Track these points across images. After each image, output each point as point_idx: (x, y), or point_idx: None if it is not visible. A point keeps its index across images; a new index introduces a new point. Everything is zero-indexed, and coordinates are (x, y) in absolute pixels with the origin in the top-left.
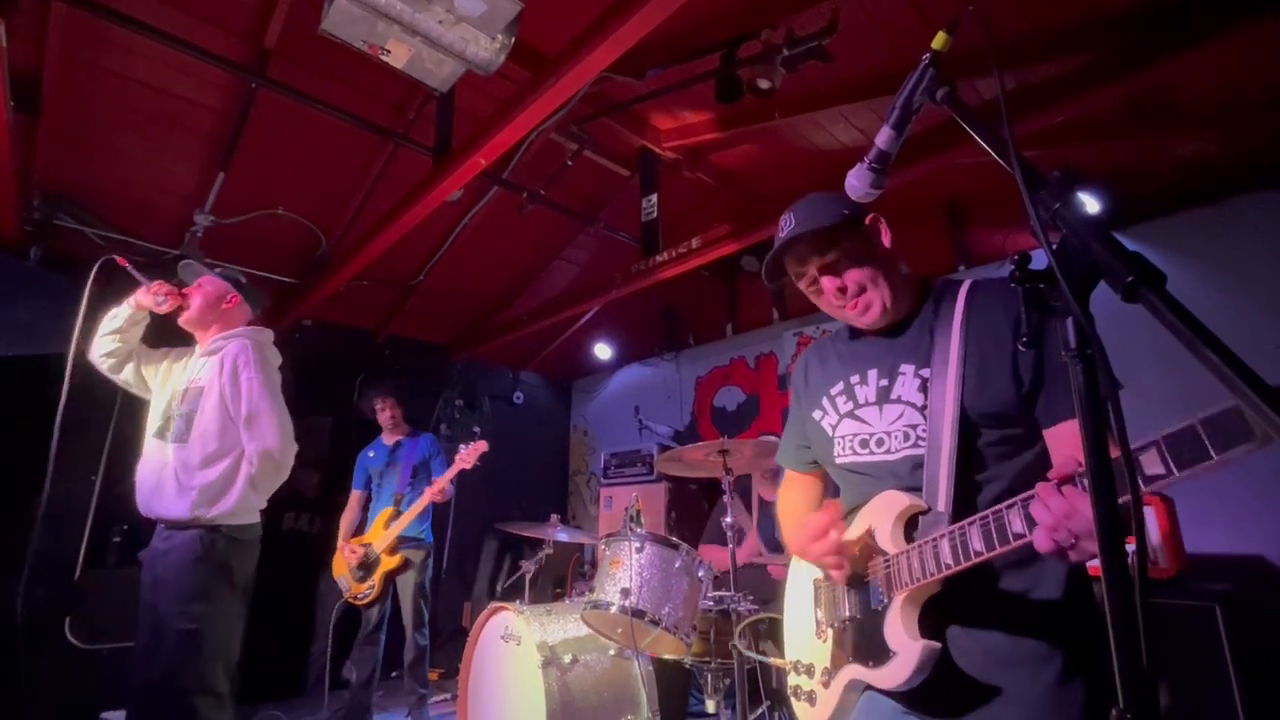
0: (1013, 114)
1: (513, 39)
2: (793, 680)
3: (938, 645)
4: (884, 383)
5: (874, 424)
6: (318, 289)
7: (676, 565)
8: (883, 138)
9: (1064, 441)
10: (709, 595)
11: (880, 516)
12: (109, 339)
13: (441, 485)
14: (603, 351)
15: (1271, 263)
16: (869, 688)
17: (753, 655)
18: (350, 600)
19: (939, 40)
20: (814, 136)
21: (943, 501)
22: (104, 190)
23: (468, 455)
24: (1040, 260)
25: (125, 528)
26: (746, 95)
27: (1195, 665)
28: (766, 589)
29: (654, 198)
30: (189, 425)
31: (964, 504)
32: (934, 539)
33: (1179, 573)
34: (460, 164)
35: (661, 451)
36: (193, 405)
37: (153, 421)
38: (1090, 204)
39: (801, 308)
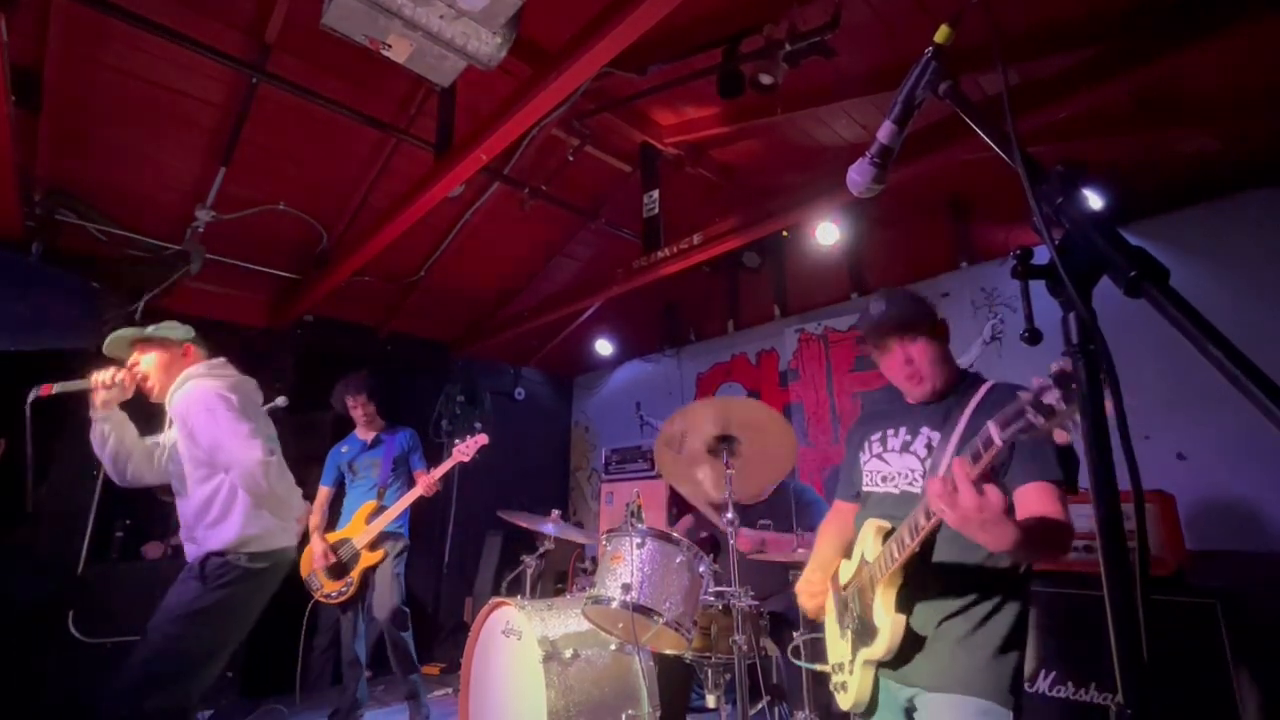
0: (1016, 109)
1: (514, 34)
2: (834, 679)
3: (904, 616)
4: (908, 438)
5: (892, 465)
6: (319, 285)
7: (677, 560)
8: (885, 132)
9: (1025, 498)
10: (710, 590)
11: (867, 539)
12: (122, 458)
13: (434, 478)
14: (604, 348)
15: (1274, 259)
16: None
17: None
18: (322, 599)
19: (942, 34)
20: (816, 132)
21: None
22: (105, 185)
23: (466, 448)
24: (1043, 255)
25: (128, 522)
26: (748, 90)
27: (1195, 662)
28: (769, 584)
29: (655, 193)
30: (182, 482)
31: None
32: (890, 543)
33: (1178, 569)
34: (462, 159)
35: None
36: (177, 464)
37: None
38: (1093, 199)
39: (803, 305)
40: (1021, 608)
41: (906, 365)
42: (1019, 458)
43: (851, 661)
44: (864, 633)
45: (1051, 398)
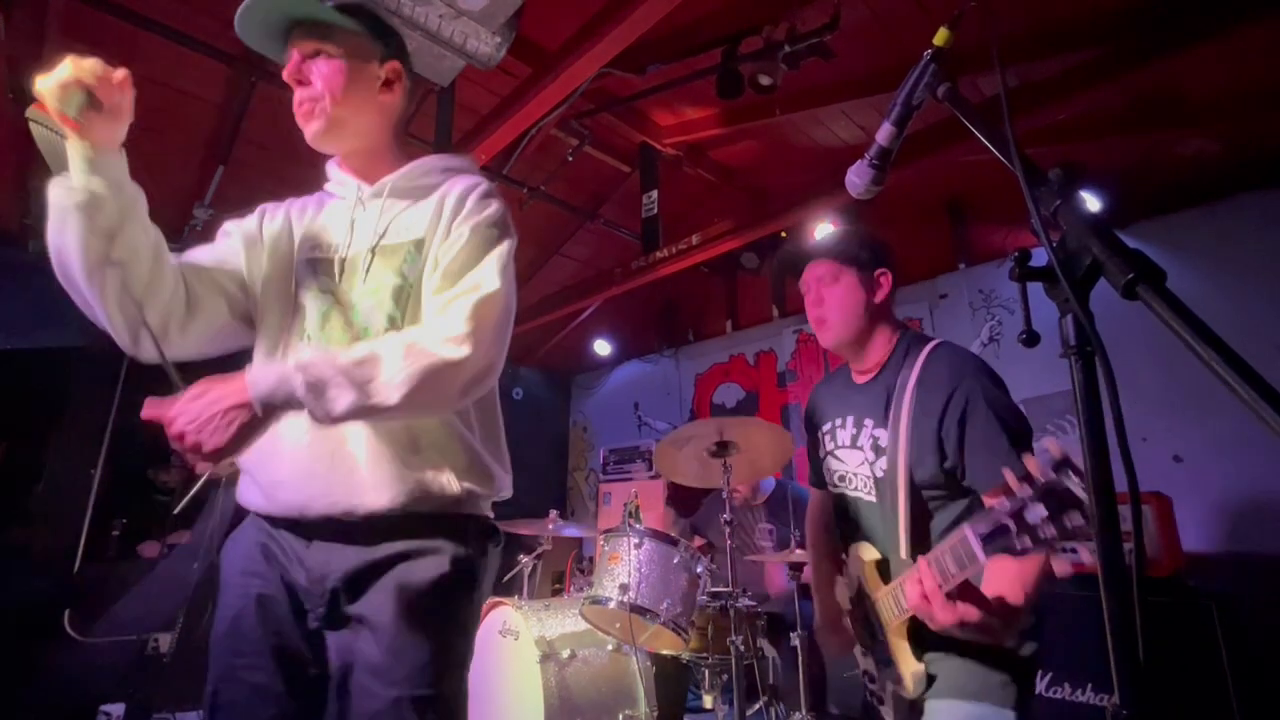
0: (1014, 111)
1: (514, 33)
2: (868, 685)
3: (923, 667)
4: (854, 431)
5: (847, 463)
6: None
7: (675, 561)
8: (884, 134)
9: None
10: (707, 591)
11: (860, 567)
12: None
13: None
14: (602, 348)
15: (1272, 262)
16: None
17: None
18: None
19: (941, 36)
20: (815, 133)
21: (904, 550)
22: None
23: None
24: (1041, 257)
25: (124, 521)
26: (747, 91)
27: (1191, 663)
28: (765, 585)
29: (654, 194)
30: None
31: (919, 547)
32: (893, 589)
33: (1175, 572)
34: None
35: None
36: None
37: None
38: (1091, 202)
39: (801, 306)
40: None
41: (815, 307)
42: (972, 458)
43: (883, 683)
44: (888, 669)
45: (1036, 517)
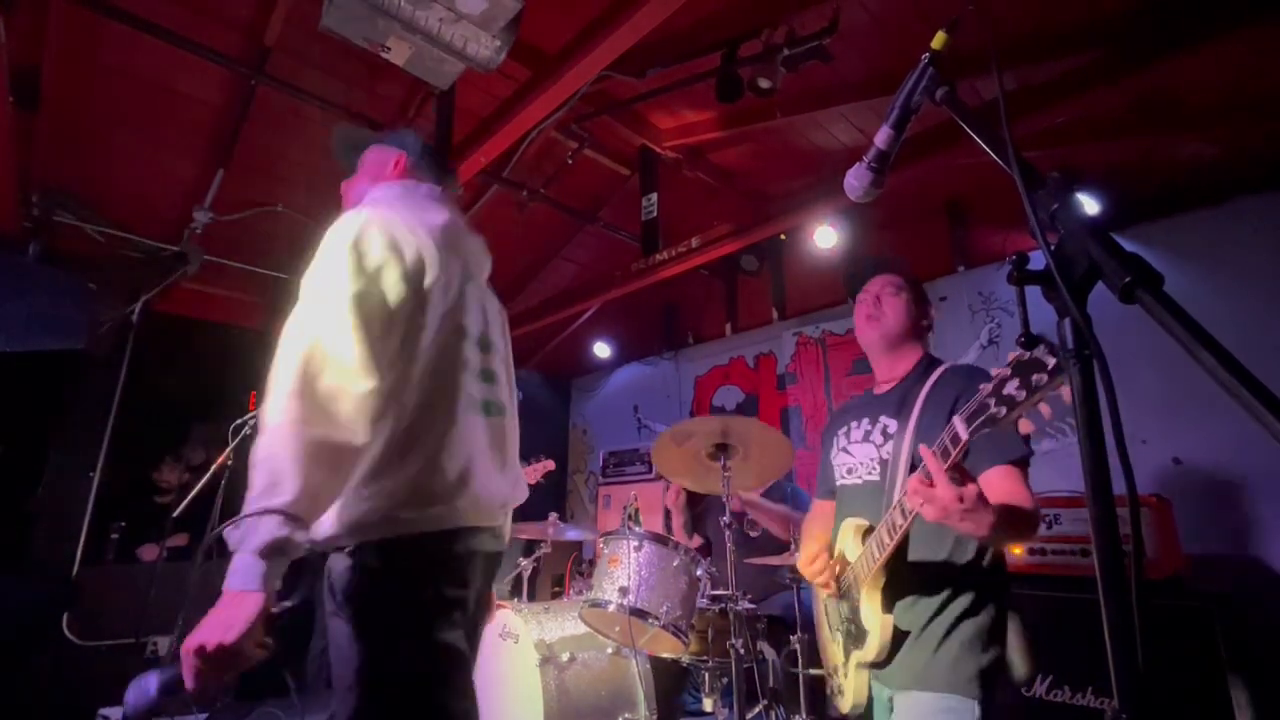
0: (1013, 114)
1: (513, 37)
2: (831, 682)
3: (890, 617)
4: (868, 428)
5: (856, 456)
6: None
7: (675, 564)
8: (882, 137)
9: (989, 484)
10: (706, 594)
11: (847, 539)
12: None
13: None
14: (602, 350)
15: (1271, 265)
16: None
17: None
18: None
19: (938, 40)
20: (814, 136)
21: None
22: (103, 186)
23: (531, 472)
24: (1039, 260)
25: (123, 524)
26: (747, 94)
27: (1191, 666)
28: (766, 587)
29: (654, 196)
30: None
31: None
32: (870, 543)
33: (1175, 574)
34: (460, 162)
35: None
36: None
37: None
38: (1089, 205)
39: (801, 308)
40: (996, 605)
41: (873, 304)
42: (979, 439)
43: (845, 664)
44: (855, 636)
45: (1011, 388)
